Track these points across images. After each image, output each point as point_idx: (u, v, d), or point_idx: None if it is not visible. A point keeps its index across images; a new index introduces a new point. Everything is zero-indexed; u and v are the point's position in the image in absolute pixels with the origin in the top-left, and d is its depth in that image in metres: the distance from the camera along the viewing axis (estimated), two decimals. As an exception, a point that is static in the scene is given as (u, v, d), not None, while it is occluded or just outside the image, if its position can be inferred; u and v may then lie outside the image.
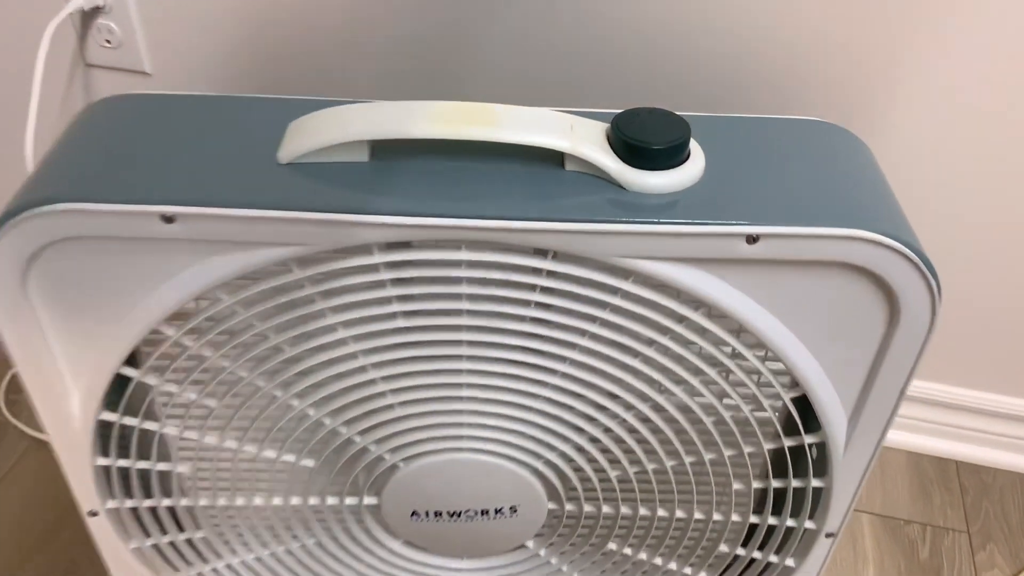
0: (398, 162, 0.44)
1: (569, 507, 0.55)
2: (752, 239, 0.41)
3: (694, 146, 0.45)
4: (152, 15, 0.78)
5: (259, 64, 0.79)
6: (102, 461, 0.52)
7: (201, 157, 0.44)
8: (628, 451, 0.51)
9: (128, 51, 0.81)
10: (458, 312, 0.45)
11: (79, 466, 0.51)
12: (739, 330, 0.46)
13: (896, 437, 0.92)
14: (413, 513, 0.55)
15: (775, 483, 0.53)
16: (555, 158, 0.44)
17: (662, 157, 0.43)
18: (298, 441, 0.51)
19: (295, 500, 0.55)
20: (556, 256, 0.43)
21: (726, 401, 0.49)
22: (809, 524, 0.54)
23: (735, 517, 0.55)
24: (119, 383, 0.48)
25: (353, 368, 0.48)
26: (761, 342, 0.45)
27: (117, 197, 0.41)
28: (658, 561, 0.58)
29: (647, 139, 0.42)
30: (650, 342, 0.46)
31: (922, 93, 0.68)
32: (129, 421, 0.50)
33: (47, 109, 0.83)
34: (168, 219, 0.41)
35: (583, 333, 0.46)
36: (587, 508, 0.55)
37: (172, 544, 0.57)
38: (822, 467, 0.51)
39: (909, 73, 0.67)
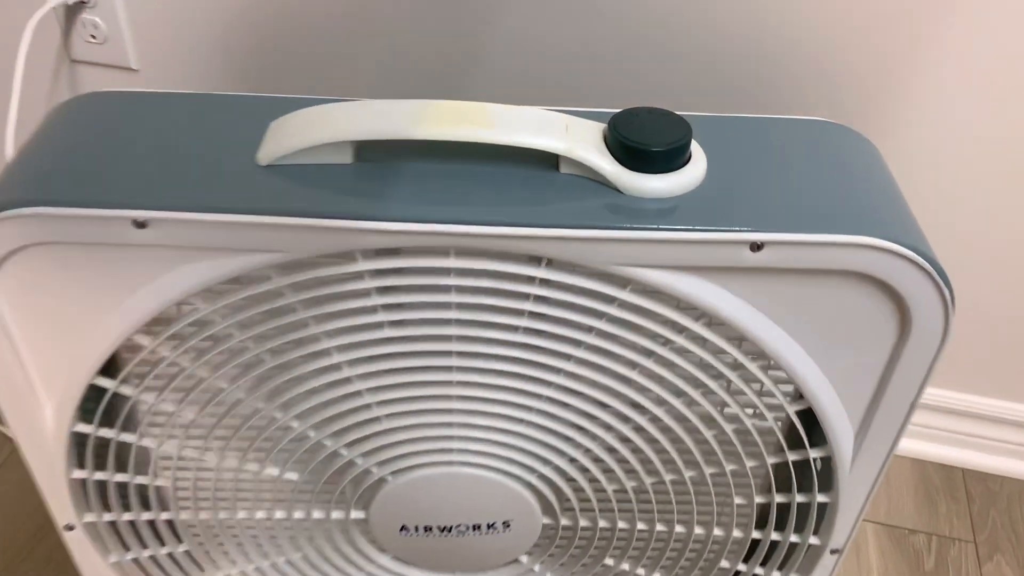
0: (384, 164, 0.42)
1: (564, 521, 0.53)
2: (756, 246, 0.40)
3: (695, 148, 0.43)
4: (138, 9, 0.76)
5: (253, 61, 0.77)
6: (78, 474, 0.50)
7: (177, 158, 0.42)
8: (626, 465, 0.49)
9: (114, 47, 0.79)
10: (447, 322, 0.43)
11: (53, 479, 0.49)
12: (741, 341, 0.44)
13: (901, 444, 0.89)
14: (402, 527, 0.53)
15: (778, 498, 0.51)
16: (549, 160, 0.42)
17: (662, 160, 0.41)
18: (282, 453, 0.49)
19: (280, 514, 0.53)
20: (550, 264, 0.41)
21: (727, 411, 0.47)
22: (813, 540, 0.53)
23: (736, 532, 0.53)
24: (94, 393, 0.46)
25: (338, 379, 0.46)
26: (765, 354, 0.43)
27: (86, 201, 0.39)
28: (657, 577, 0.56)
29: (646, 141, 0.41)
30: (648, 353, 0.44)
31: (934, 90, 0.66)
32: (105, 433, 0.48)
33: (30, 106, 0.81)
34: (140, 224, 0.39)
35: (578, 344, 0.44)
36: (583, 522, 0.53)
37: (153, 558, 0.56)
38: (827, 482, 0.50)
39: (921, 69, 0.65)
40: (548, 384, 0.46)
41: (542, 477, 0.50)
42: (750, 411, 0.47)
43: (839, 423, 0.47)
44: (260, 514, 0.53)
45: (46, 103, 0.84)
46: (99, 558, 0.54)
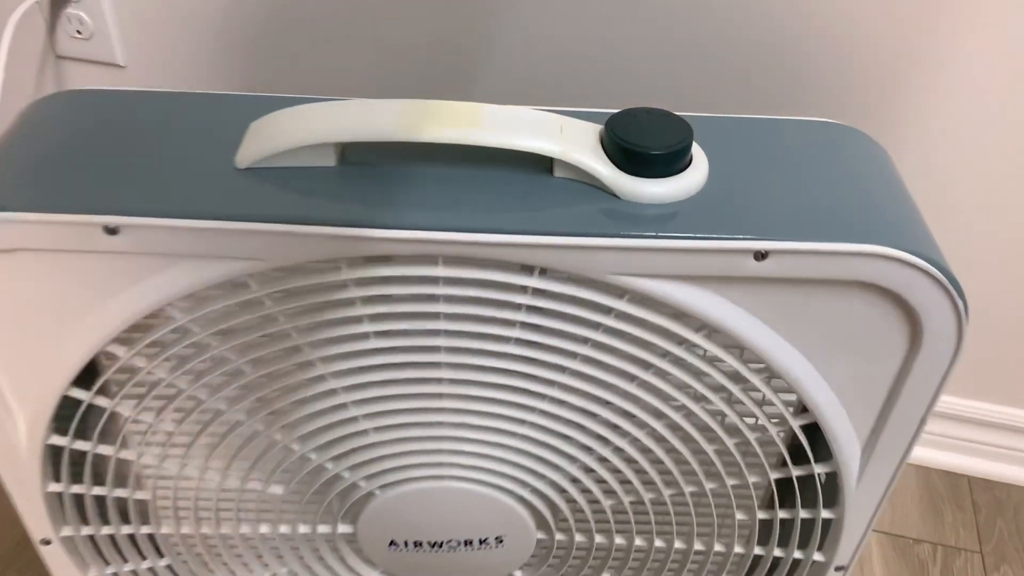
0: (369, 167, 0.40)
1: (559, 537, 0.51)
2: (760, 255, 0.38)
3: (696, 151, 0.41)
4: (125, 4, 0.74)
5: (244, 58, 0.75)
6: (53, 487, 0.48)
7: (152, 161, 0.40)
8: (623, 480, 0.48)
9: (100, 42, 0.77)
10: (435, 332, 0.42)
11: (28, 493, 0.48)
12: (743, 352, 0.42)
13: (905, 450, 0.88)
14: (391, 543, 0.51)
15: (781, 513, 0.49)
16: (543, 164, 0.40)
17: (661, 163, 0.39)
18: (265, 466, 0.47)
19: (264, 528, 0.51)
20: (544, 273, 0.39)
21: (728, 424, 0.45)
22: (818, 556, 0.51)
23: (738, 548, 0.51)
24: (69, 405, 0.44)
25: (323, 391, 0.44)
26: (768, 367, 0.42)
27: (55, 206, 0.37)
28: (655, 593, 0.55)
29: (645, 143, 0.39)
30: (647, 365, 0.42)
31: (946, 92, 0.64)
32: (81, 446, 0.46)
33: (13, 103, 0.79)
34: (111, 231, 0.37)
35: (573, 356, 0.42)
36: (579, 538, 0.51)
37: (134, 573, 0.54)
38: (833, 497, 0.48)
39: (932, 69, 0.63)
40: (542, 397, 0.44)
41: (536, 491, 0.49)
42: (752, 424, 0.45)
43: (845, 438, 0.45)
44: (244, 528, 0.51)
45: (30, 100, 0.82)
46: (78, 573, 0.52)
